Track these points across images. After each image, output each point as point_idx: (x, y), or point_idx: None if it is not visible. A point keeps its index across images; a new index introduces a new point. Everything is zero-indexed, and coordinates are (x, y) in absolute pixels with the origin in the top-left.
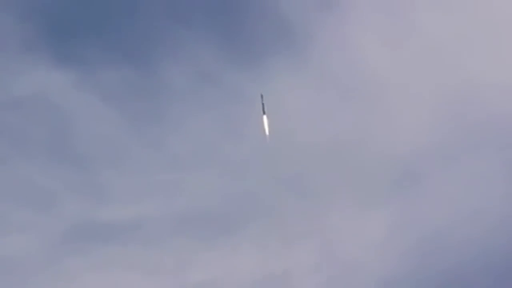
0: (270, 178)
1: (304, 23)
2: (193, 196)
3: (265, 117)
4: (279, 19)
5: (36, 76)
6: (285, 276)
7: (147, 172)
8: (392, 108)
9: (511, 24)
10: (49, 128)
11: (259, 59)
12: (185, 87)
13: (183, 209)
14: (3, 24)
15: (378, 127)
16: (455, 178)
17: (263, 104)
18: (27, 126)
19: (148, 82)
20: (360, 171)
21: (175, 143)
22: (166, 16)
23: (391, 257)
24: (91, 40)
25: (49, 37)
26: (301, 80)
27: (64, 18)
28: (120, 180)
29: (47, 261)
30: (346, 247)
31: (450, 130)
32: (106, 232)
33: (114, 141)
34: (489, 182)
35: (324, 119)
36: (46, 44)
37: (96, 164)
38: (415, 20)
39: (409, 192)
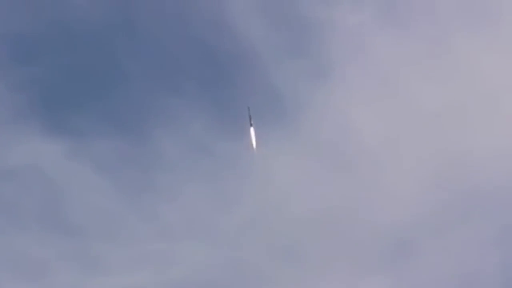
0: (263, 247)
1: (295, 93)
2: (186, 265)
3: (252, 129)
4: (270, 89)
5: (28, 146)
6: None
7: (140, 242)
8: (383, 177)
9: (502, 94)
10: (42, 198)
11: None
12: (178, 157)
13: (176, 279)
14: None
15: (370, 196)
16: (448, 246)
17: (250, 116)
18: (20, 197)
19: (140, 152)
20: (353, 240)
21: (168, 212)
22: (158, 87)
23: None
24: (84, 110)
25: (41, 108)
26: (293, 149)
27: (57, 89)
28: (112, 250)
29: None
30: None
31: (442, 199)
32: None
33: (107, 211)
34: (481, 251)
35: (316, 189)
36: (39, 115)
37: (88, 234)
38: (407, 90)
39: (403, 261)
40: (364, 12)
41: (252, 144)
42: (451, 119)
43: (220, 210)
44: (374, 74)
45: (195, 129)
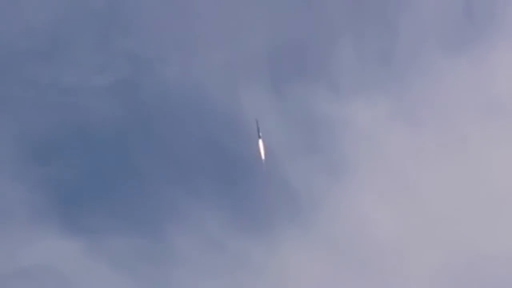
0: None
1: (309, 190)
2: None
3: (260, 141)
4: (285, 186)
5: (44, 245)
6: None
7: None
8: (398, 276)
9: None
10: None
11: (265, 226)
12: (193, 253)
13: None
14: (12, 194)
15: None
16: None
17: (258, 128)
18: None
19: (156, 248)
20: None
21: None
22: (173, 186)
23: None
24: (99, 208)
25: (58, 206)
26: (308, 246)
27: (73, 188)
28: None
29: None
30: None
31: None
32: None
33: None
34: None
35: (331, 286)
36: (55, 213)
37: None
38: (421, 186)
39: None
40: (377, 108)
41: (261, 156)
42: (467, 216)
43: None
44: (388, 170)
45: (210, 226)
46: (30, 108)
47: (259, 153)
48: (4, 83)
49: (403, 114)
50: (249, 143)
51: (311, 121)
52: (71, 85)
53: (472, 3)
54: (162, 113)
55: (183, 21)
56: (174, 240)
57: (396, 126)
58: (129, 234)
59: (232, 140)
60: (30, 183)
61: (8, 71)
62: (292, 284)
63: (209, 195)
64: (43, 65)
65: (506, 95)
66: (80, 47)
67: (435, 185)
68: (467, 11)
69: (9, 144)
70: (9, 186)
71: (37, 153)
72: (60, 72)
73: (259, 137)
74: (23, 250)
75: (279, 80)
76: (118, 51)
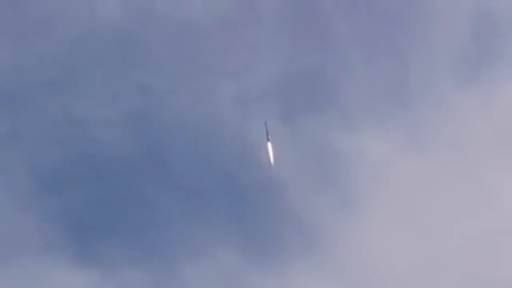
0: None
1: (321, 223)
2: None
3: (269, 144)
4: (296, 219)
5: (58, 277)
6: None
7: None
8: None
9: None
10: None
11: (278, 259)
12: (206, 286)
13: None
14: (25, 226)
15: None
16: None
17: (267, 131)
18: None
19: (169, 280)
20: None
21: None
22: (185, 215)
23: None
24: (112, 240)
25: (70, 238)
26: (320, 280)
27: (86, 220)
28: None
29: None
30: None
31: None
32: None
33: None
34: None
35: None
36: (68, 245)
37: None
38: (433, 220)
39: None
40: (389, 140)
41: (269, 159)
42: (481, 250)
43: None
44: (400, 203)
45: (223, 258)
46: (42, 139)
47: (268, 157)
48: (16, 115)
49: (416, 146)
50: (262, 176)
51: (323, 153)
52: (83, 117)
53: (484, 36)
54: (174, 145)
55: (195, 53)
56: (187, 272)
57: (409, 159)
58: (142, 266)
59: (244, 172)
60: (42, 215)
61: (20, 103)
62: None
63: (222, 227)
64: (55, 97)
65: None
66: (92, 78)
67: (448, 218)
68: (478, 43)
69: (21, 176)
70: (21, 218)
71: (49, 184)
72: (72, 104)
73: (268, 140)
74: (36, 282)
75: (290, 112)
76: (130, 83)
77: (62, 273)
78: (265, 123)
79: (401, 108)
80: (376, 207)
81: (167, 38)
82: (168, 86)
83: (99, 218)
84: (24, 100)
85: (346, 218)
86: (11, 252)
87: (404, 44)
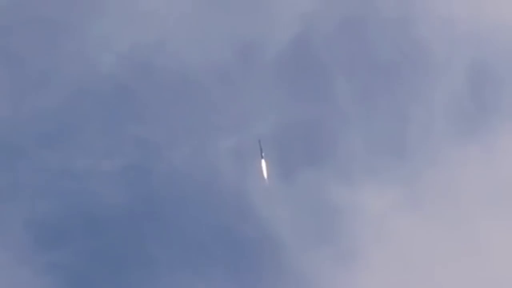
0: None
1: (319, 278)
2: None
3: (263, 161)
4: (294, 274)
5: None
6: None
7: None
8: None
9: None
10: None
11: None
12: None
13: None
14: (23, 279)
15: None
16: None
17: (261, 148)
18: None
19: None
20: None
21: None
22: (183, 269)
23: None
24: None
25: None
26: None
27: (82, 273)
28: None
29: None
30: None
31: None
32: None
33: None
34: None
35: None
36: None
37: None
38: (430, 275)
39: None
40: (388, 196)
41: (263, 176)
42: None
43: None
44: (398, 258)
45: None
46: (39, 192)
47: (262, 173)
48: (14, 168)
49: (413, 200)
50: (259, 229)
51: (320, 207)
52: (80, 170)
53: (480, 90)
54: (172, 198)
55: (192, 105)
56: None
57: (406, 213)
58: None
59: (242, 225)
60: (39, 268)
61: (18, 156)
62: None
63: (219, 280)
64: (53, 150)
65: None
66: (90, 132)
67: (446, 275)
68: (475, 97)
69: (17, 229)
70: (18, 271)
71: (46, 238)
72: (69, 157)
73: (262, 157)
74: None
75: (288, 165)
76: (128, 136)
77: None
78: (259, 141)
79: (399, 162)
80: (374, 261)
81: (164, 91)
82: (166, 139)
83: (97, 271)
84: (22, 153)
85: (344, 272)
86: None
87: (401, 98)
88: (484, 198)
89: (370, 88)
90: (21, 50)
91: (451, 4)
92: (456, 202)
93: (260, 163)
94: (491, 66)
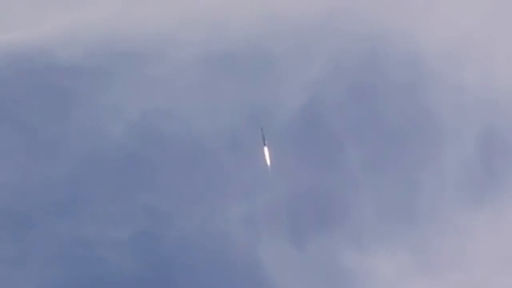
0: None
1: None
2: None
3: (265, 148)
4: None
5: None
6: None
7: None
8: None
9: None
10: None
11: None
12: None
13: None
14: None
15: None
16: None
17: (263, 136)
18: None
19: None
20: None
21: None
22: None
23: None
24: None
25: None
26: None
27: None
28: None
29: None
30: None
31: None
32: None
33: None
34: None
35: None
36: None
37: None
38: None
39: None
40: (399, 261)
41: (266, 163)
42: None
43: None
44: None
45: None
46: (49, 261)
47: (265, 161)
48: (24, 236)
49: (424, 265)
50: None
51: (332, 274)
52: (90, 238)
53: (491, 159)
54: (182, 266)
55: (202, 173)
56: None
57: (417, 278)
58: None
59: None
60: None
61: (27, 224)
62: None
63: None
64: (62, 218)
65: None
66: (99, 200)
67: None
68: (485, 166)
69: None
70: None
71: None
72: (79, 225)
73: (264, 144)
74: None
75: (299, 231)
76: (137, 204)
77: None
78: (262, 129)
79: (409, 228)
80: None
81: (174, 159)
82: (175, 207)
83: None
84: (32, 221)
85: None
86: None
87: (411, 165)
88: (494, 265)
89: (380, 155)
90: (32, 119)
91: (460, 71)
92: (466, 268)
93: (263, 150)
94: (500, 133)
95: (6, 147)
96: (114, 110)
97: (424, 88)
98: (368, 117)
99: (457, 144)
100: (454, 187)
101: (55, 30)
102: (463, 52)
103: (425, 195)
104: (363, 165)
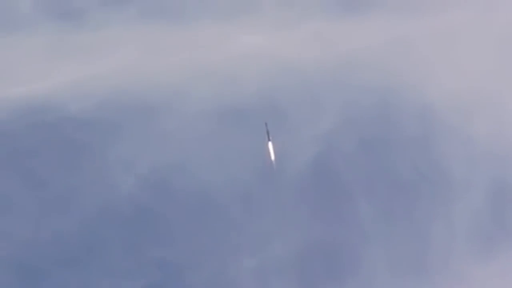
0: None
1: None
2: None
3: (270, 143)
4: None
5: None
6: None
7: None
8: None
9: None
10: None
11: None
12: None
13: None
14: None
15: None
16: None
17: (267, 131)
18: None
19: None
20: None
21: None
22: None
23: None
24: None
25: None
26: None
27: None
28: None
29: None
30: None
31: None
32: None
33: None
34: None
35: None
36: None
37: None
38: None
39: None
40: None
41: (270, 158)
42: None
43: None
44: None
45: None
46: None
47: (269, 155)
48: None
49: None
50: None
51: None
52: None
53: (502, 211)
54: None
55: (212, 225)
56: None
57: None
58: None
59: None
60: None
61: (37, 277)
62: None
63: None
64: (72, 271)
65: None
66: (110, 253)
67: None
68: (496, 218)
69: None
70: None
71: None
72: (90, 278)
73: (269, 139)
74: None
75: (310, 283)
76: (148, 257)
77: None
78: (266, 124)
79: (420, 280)
80: None
81: (184, 212)
82: (186, 260)
83: None
84: (43, 274)
85: None
86: None
87: (422, 217)
88: None
89: (391, 207)
90: (43, 171)
91: (471, 122)
92: None
93: (267, 145)
94: (511, 184)
95: (18, 199)
96: (125, 163)
97: (435, 140)
98: (379, 170)
99: (468, 195)
100: (465, 239)
101: (66, 84)
102: (474, 104)
103: (435, 247)
104: (374, 218)
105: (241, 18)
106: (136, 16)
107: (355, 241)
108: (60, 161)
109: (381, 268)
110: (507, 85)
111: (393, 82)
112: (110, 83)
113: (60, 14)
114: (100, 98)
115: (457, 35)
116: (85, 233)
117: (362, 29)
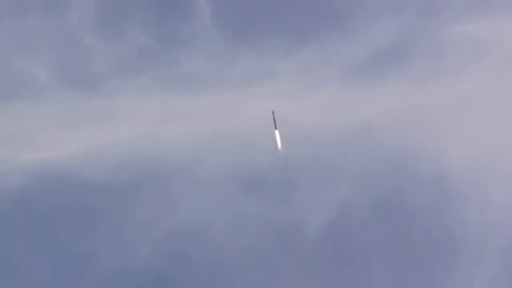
0: None
1: None
2: None
3: (277, 131)
4: None
5: None
6: None
7: None
8: None
9: None
10: None
11: None
12: None
13: None
14: None
15: None
16: None
17: (274, 119)
18: None
19: None
20: None
21: None
22: None
23: None
24: None
25: None
26: None
27: None
28: None
29: None
30: None
31: None
32: None
33: None
34: None
35: None
36: None
37: None
38: None
39: None
40: None
41: (277, 145)
42: None
43: None
44: None
45: None
46: None
47: (276, 143)
48: None
49: None
50: None
51: None
52: None
53: None
54: None
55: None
56: None
57: None
58: None
59: None
60: None
61: None
62: None
63: None
64: None
65: None
66: None
67: None
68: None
69: None
70: None
71: None
72: None
73: (276, 128)
74: None
75: None
76: None
77: None
78: (273, 112)
79: None
80: None
81: (200, 278)
82: None
83: None
84: None
85: None
86: None
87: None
88: None
89: (406, 272)
90: (59, 236)
91: (485, 189)
92: None
93: (274, 134)
94: None
95: (34, 265)
96: (141, 229)
97: (450, 207)
98: (394, 235)
99: (483, 261)
100: None
101: (83, 150)
102: (488, 171)
103: None
104: (389, 284)
105: (256, 85)
106: (151, 84)
107: None
108: (76, 226)
109: None
110: None
111: (408, 149)
112: (126, 150)
113: (76, 81)
114: (116, 165)
115: (472, 103)
116: None
117: (377, 97)
